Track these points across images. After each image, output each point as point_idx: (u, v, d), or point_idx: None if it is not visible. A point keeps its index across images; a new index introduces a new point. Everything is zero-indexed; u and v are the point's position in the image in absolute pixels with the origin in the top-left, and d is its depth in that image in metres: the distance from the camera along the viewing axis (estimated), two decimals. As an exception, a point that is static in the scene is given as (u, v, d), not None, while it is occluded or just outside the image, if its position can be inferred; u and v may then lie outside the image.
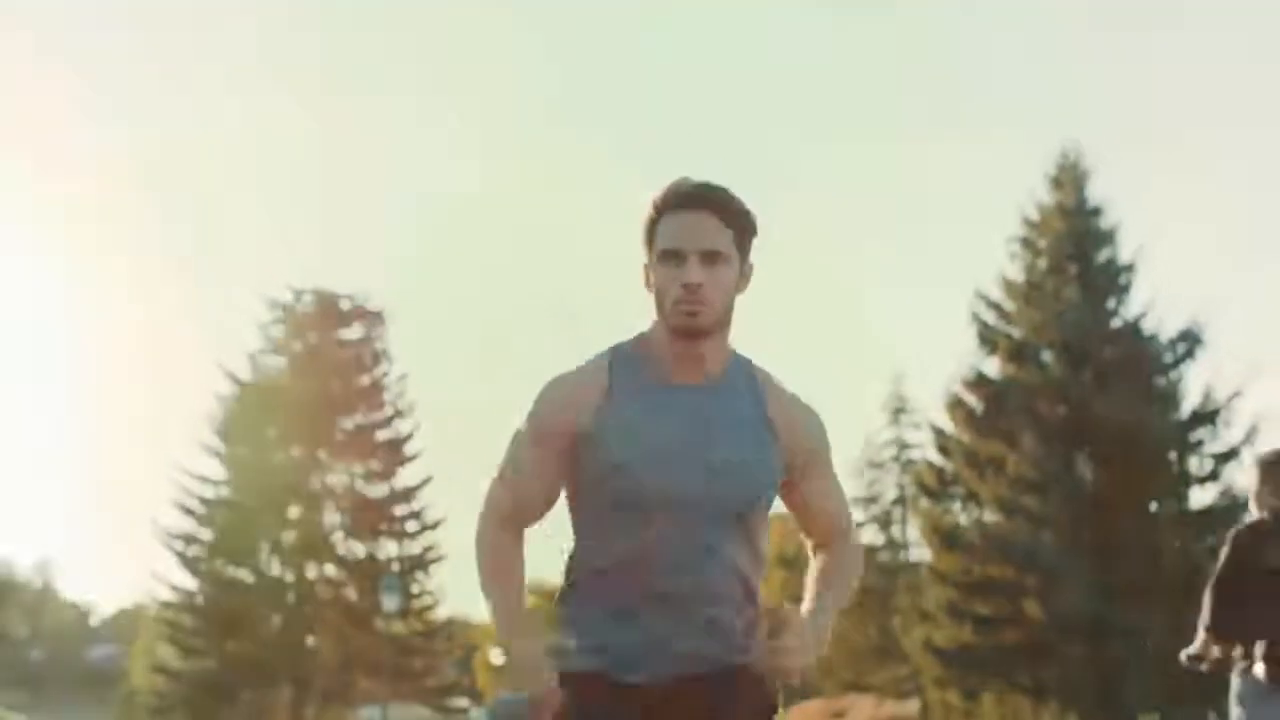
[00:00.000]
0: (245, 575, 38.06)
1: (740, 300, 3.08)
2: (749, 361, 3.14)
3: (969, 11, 78.25)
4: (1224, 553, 5.81)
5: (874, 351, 70.63)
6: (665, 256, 3.00)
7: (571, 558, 3.12)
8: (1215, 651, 5.91)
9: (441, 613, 41.37)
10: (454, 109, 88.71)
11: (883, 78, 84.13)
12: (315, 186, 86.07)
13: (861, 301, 73.47)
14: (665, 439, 2.99)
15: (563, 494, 3.14)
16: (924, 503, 32.95)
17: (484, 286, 75.57)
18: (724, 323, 3.05)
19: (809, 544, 3.26)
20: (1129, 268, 31.16)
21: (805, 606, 3.11)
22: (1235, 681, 5.79)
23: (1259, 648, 5.61)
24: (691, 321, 2.98)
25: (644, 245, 3.06)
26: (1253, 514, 5.98)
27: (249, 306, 43.98)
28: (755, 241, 3.09)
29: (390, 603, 33.32)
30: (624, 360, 3.08)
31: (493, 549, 3.09)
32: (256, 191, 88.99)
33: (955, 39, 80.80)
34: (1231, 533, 5.89)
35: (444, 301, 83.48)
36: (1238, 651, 5.74)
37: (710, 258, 2.98)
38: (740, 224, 3.03)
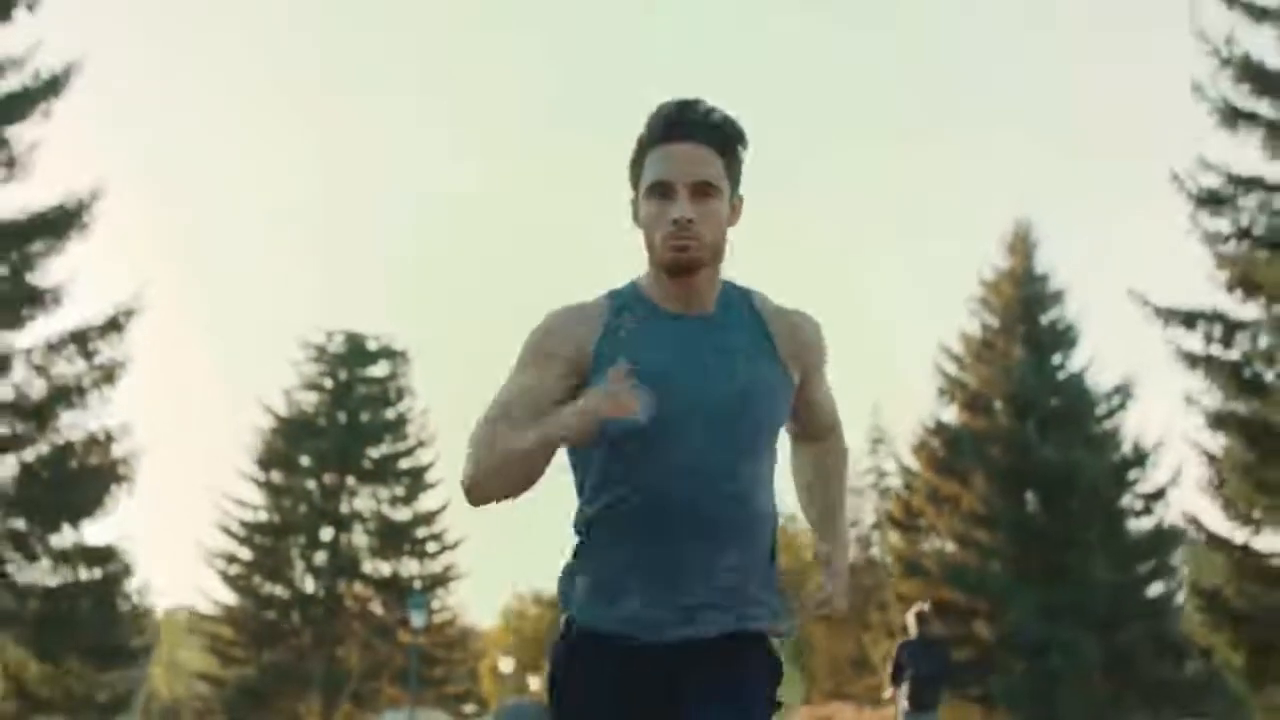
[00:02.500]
0: (280, 591, 42.92)
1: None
2: (744, 288, 3.15)
3: (967, 12, 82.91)
4: (895, 652, 12.36)
5: (859, 371, 75.88)
6: (654, 190, 2.99)
7: (580, 508, 3.09)
8: (895, 695, 12.46)
9: (457, 625, 47.49)
10: (456, 113, 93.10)
11: (880, 81, 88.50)
12: (325, 209, 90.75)
13: (851, 318, 78.72)
14: (666, 367, 2.98)
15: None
16: (892, 533, 39.00)
17: (497, 322, 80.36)
18: (716, 257, 3.04)
19: (790, 434, 3.35)
20: (1071, 327, 37.18)
21: (821, 534, 3.29)
22: (897, 709, 12.43)
23: (904, 690, 12.09)
24: (682, 257, 2.97)
25: (630, 178, 3.07)
26: (911, 634, 12.53)
27: (265, 338, 49.35)
28: (744, 168, 3.07)
29: (418, 619, 38.85)
30: (624, 297, 3.09)
31: (498, 434, 2.95)
32: (263, 211, 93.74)
33: (953, 42, 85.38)
34: (898, 644, 12.41)
35: (460, 339, 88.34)
36: (900, 691, 12.25)
37: (701, 190, 2.97)
38: (732, 151, 3.03)
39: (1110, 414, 36.80)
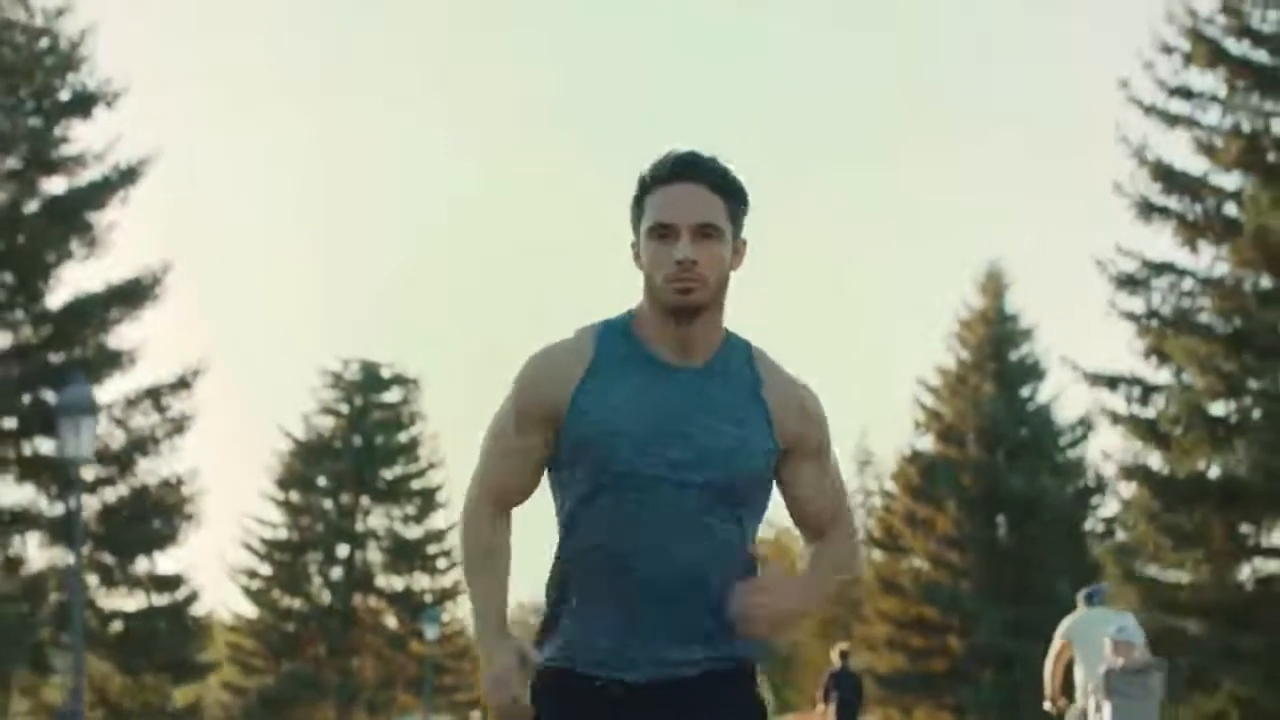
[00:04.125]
0: (299, 604, 46.45)
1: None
2: (745, 341, 3.17)
3: (968, 26, 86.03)
4: (825, 678, 16.94)
5: (851, 390, 79.32)
6: (655, 231, 3.05)
7: (558, 547, 3.15)
8: (826, 710, 17.17)
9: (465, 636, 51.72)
10: (471, 123, 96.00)
11: (879, 90, 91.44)
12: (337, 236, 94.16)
13: (845, 338, 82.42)
14: (650, 416, 3.04)
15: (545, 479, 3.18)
16: (874, 552, 43.39)
17: (504, 343, 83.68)
18: (717, 301, 3.09)
19: (801, 537, 3.30)
20: (1038, 364, 41.59)
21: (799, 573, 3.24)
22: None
23: (832, 707, 16.79)
24: (684, 299, 3.02)
25: (632, 220, 3.13)
26: (835, 666, 17.18)
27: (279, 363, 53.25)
28: (746, 218, 3.14)
29: (431, 631, 42.78)
30: (613, 334, 3.13)
31: (479, 534, 3.14)
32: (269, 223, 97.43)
33: (953, 56, 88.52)
34: (827, 672, 17.01)
35: (467, 348, 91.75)
36: (830, 708, 16.94)
37: (703, 231, 3.03)
38: (734, 196, 3.10)
39: (1074, 444, 41.26)
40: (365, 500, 47.55)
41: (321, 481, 47.43)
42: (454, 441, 58.17)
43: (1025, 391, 41.67)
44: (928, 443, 42.01)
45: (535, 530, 3.36)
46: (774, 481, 3.16)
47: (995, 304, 41.94)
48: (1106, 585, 12.65)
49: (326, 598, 47.05)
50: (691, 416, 3.05)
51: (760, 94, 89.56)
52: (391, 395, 48.82)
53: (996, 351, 41.42)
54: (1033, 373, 41.68)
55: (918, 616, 40.71)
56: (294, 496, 47.40)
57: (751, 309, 3.34)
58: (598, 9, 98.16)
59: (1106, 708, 11.08)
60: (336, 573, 47.20)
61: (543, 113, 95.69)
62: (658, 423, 3.04)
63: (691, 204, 3.04)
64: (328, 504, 47.41)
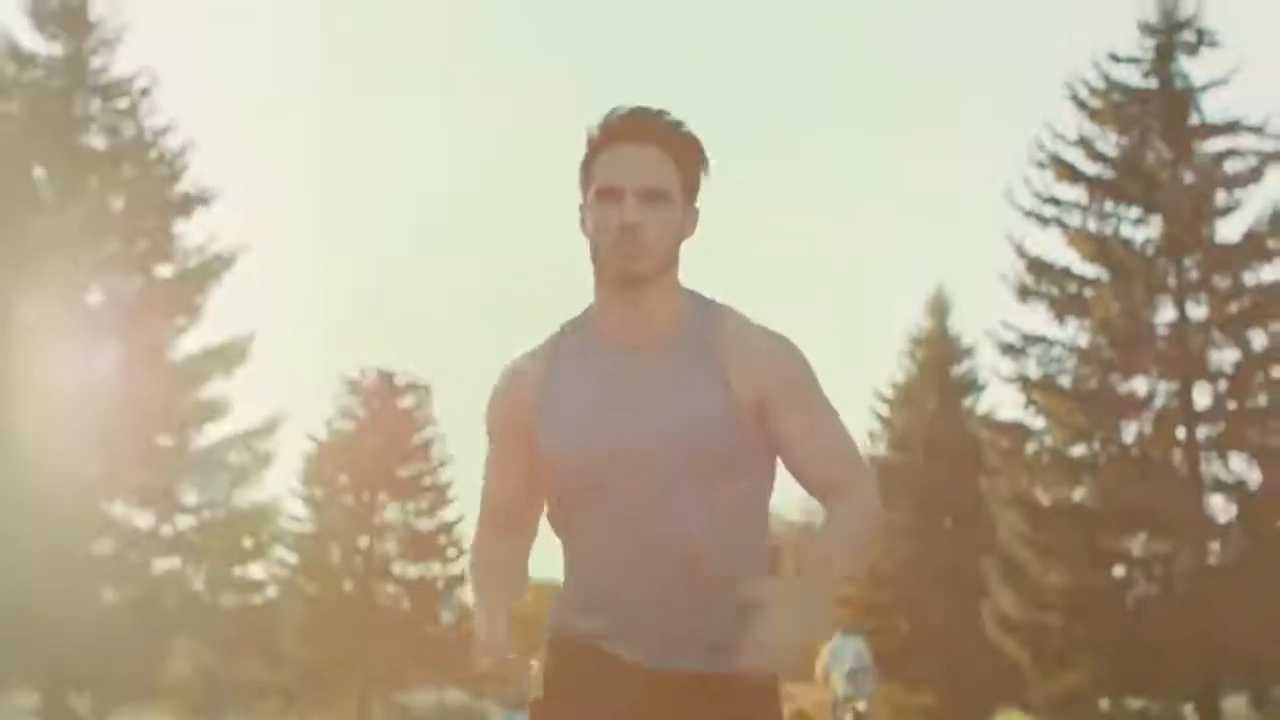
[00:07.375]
0: (323, 592, 53.38)
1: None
2: (709, 301, 3.25)
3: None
4: None
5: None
6: (601, 195, 3.12)
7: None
8: None
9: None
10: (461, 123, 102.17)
11: (876, 94, 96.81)
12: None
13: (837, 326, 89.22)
14: (594, 412, 3.16)
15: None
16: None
17: (510, 350, 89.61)
18: (667, 269, 3.17)
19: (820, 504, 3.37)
20: (977, 380, 51.09)
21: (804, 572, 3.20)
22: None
23: None
24: (629, 265, 3.10)
25: (580, 183, 3.20)
26: None
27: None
28: (705, 180, 3.19)
29: (448, 616, 51.30)
30: (570, 333, 3.25)
31: (478, 556, 3.35)
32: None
33: (947, 28, 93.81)
34: None
35: (477, 371, 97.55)
36: None
37: (650, 195, 3.10)
38: (686, 157, 3.15)
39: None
40: (382, 496, 54.40)
41: (343, 479, 54.27)
42: (462, 442, 64.66)
43: (967, 402, 51.11)
44: (882, 448, 51.52)
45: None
46: (745, 455, 3.20)
47: (940, 324, 51.37)
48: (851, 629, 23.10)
49: (348, 585, 53.91)
50: (639, 398, 3.15)
51: (755, 94, 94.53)
52: (405, 400, 56.00)
53: (940, 369, 50.85)
54: (972, 387, 51.16)
55: (873, 601, 50.00)
56: (317, 493, 54.45)
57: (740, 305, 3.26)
58: (606, 6, 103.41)
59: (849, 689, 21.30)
60: (357, 562, 54.12)
61: (546, 116, 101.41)
62: (602, 413, 3.16)
63: (638, 166, 3.11)
64: (348, 500, 54.39)
